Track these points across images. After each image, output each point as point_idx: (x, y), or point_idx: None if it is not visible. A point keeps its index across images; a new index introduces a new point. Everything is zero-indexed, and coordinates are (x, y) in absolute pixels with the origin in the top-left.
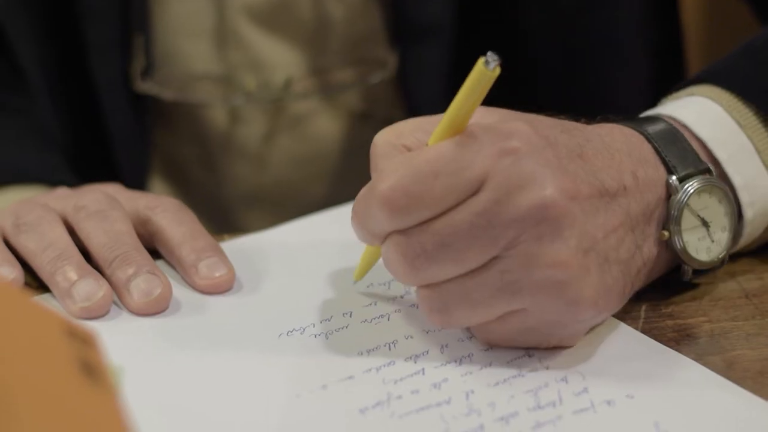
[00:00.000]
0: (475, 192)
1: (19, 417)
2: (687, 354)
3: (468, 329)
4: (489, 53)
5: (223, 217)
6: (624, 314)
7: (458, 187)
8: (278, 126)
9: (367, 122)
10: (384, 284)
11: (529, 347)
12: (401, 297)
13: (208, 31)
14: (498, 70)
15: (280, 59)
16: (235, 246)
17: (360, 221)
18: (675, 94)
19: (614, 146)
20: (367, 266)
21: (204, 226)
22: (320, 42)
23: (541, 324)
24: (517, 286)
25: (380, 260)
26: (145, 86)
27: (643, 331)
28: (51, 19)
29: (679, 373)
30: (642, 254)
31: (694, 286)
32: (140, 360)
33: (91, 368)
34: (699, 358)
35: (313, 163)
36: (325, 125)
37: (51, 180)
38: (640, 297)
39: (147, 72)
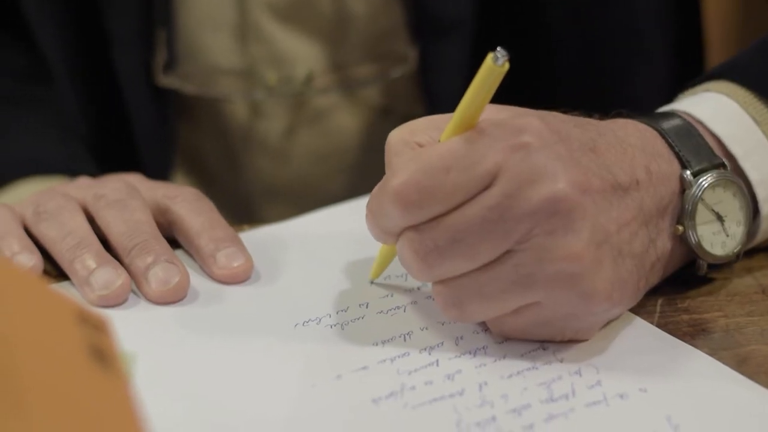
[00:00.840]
0: (487, 187)
1: (28, 401)
2: (701, 348)
3: (484, 322)
4: (498, 49)
5: (245, 210)
6: (639, 308)
7: (470, 182)
8: (299, 120)
9: (387, 117)
10: (401, 276)
11: (544, 340)
12: (417, 289)
13: (230, 25)
14: (507, 66)
15: (302, 54)
16: (254, 236)
17: (374, 219)
18: (691, 90)
19: (627, 141)
20: (383, 266)
21: (225, 219)
22: (341, 37)
23: (555, 317)
24: (530, 279)
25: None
26: (166, 80)
27: (659, 326)
28: (75, 11)
29: (693, 368)
30: (656, 248)
31: (711, 281)
32: (156, 348)
33: (102, 354)
34: (713, 353)
35: (333, 157)
36: (345, 120)
37: (72, 171)
38: (656, 291)
39: (169, 66)
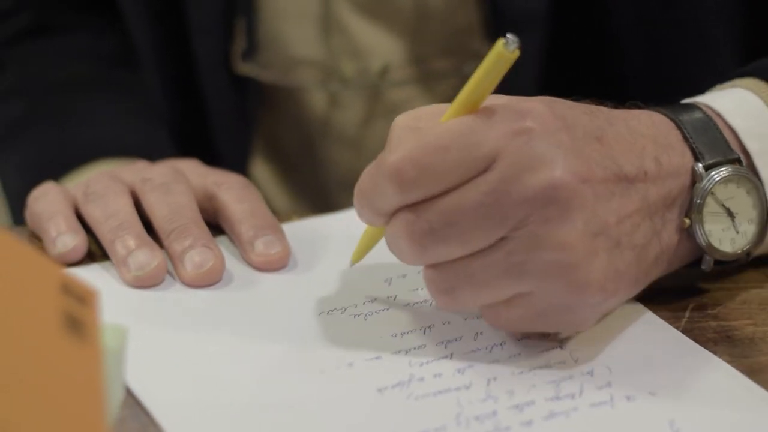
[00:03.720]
0: (485, 170)
1: None
2: (721, 355)
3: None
4: (509, 35)
5: (323, 200)
6: (668, 312)
7: (468, 163)
8: (375, 112)
9: None
10: (401, 276)
11: (538, 332)
12: None
13: (313, 16)
14: (517, 53)
15: (379, 47)
16: (299, 227)
17: (366, 198)
18: (720, 86)
19: (639, 131)
20: (366, 249)
21: (303, 208)
22: (419, 31)
23: (548, 308)
24: (523, 267)
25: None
26: (245, 68)
27: (685, 330)
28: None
29: (706, 374)
30: (660, 241)
31: (746, 289)
32: (179, 327)
33: (77, 325)
34: (733, 360)
35: None
36: None
37: (149, 155)
38: (687, 296)
39: (248, 54)
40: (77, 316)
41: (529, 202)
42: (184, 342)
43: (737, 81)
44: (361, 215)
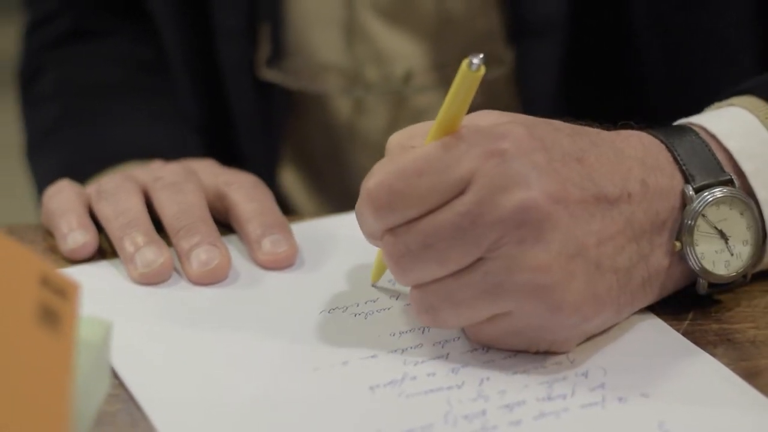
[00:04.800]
0: (461, 193)
1: None
2: (721, 358)
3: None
4: (471, 55)
5: (350, 205)
6: (671, 314)
7: (443, 187)
8: (400, 118)
9: None
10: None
11: (519, 350)
12: None
13: (338, 23)
14: (482, 71)
15: (402, 53)
16: (309, 226)
17: (358, 221)
18: (717, 104)
19: (626, 152)
20: (382, 267)
21: (331, 213)
22: (442, 37)
23: (527, 328)
24: (500, 288)
25: None
26: (269, 74)
27: (686, 332)
28: (188, 4)
29: (703, 376)
30: (648, 265)
31: (751, 292)
32: (182, 323)
33: (52, 317)
34: (731, 363)
35: None
36: None
37: (175, 158)
38: (692, 298)
39: (272, 60)
40: (54, 309)
41: (502, 223)
42: (181, 339)
43: (734, 99)
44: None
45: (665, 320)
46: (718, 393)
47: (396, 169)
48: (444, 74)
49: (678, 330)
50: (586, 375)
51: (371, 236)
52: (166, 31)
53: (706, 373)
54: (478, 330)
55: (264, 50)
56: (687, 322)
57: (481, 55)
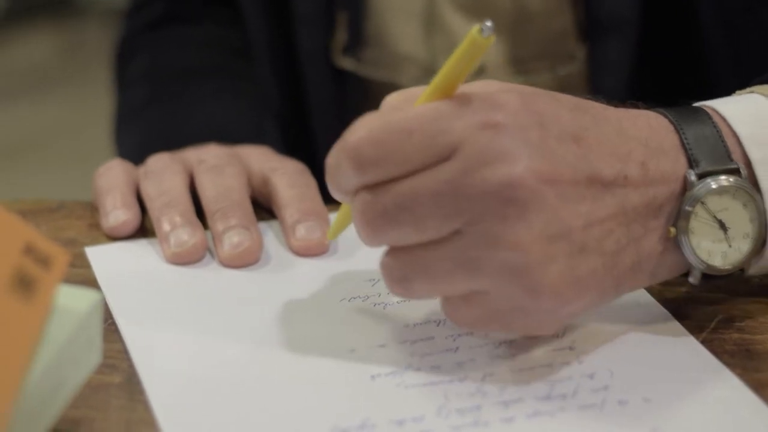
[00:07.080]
0: (447, 159)
1: None
2: (735, 368)
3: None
4: (484, 22)
5: None
6: (693, 321)
7: (430, 150)
8: None
9: None
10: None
11: (496, 332)
12: None
13: (417, 14)
14: (492, 39)
15: None
16: None
17: (330, 176)
18: (739, 91)
19: (630, 133)
20: (342, 226)
21: None
22: (517, 34)
23: (504, 309)
24: (476, 264)
25: None
26: (345, 62)
27: (705, 341)
28: None
29: (711, 385)
30: (639, 249)
31: None
32: (201, 304)
33: (28, 285)
34: (745, 373)
35: None
36: None
37: (253, 142)
38: (717, 307)
39: (349, 49)
40: (32, 278)
41: (486, 196)
42: (193, 318)
43: (756, 87)
44: (330, 192)
45: (687, 325)
46: (722, 403)
47: (384, 125)
48: (516, 70)
49: (698, 337)
50: (592, 377)
51: (343, 191)
52: (249, 17)
53: (714, 382)
54: (454, 309)
55: (341, 38)
56: (708, 330)
57: (491, 23)
